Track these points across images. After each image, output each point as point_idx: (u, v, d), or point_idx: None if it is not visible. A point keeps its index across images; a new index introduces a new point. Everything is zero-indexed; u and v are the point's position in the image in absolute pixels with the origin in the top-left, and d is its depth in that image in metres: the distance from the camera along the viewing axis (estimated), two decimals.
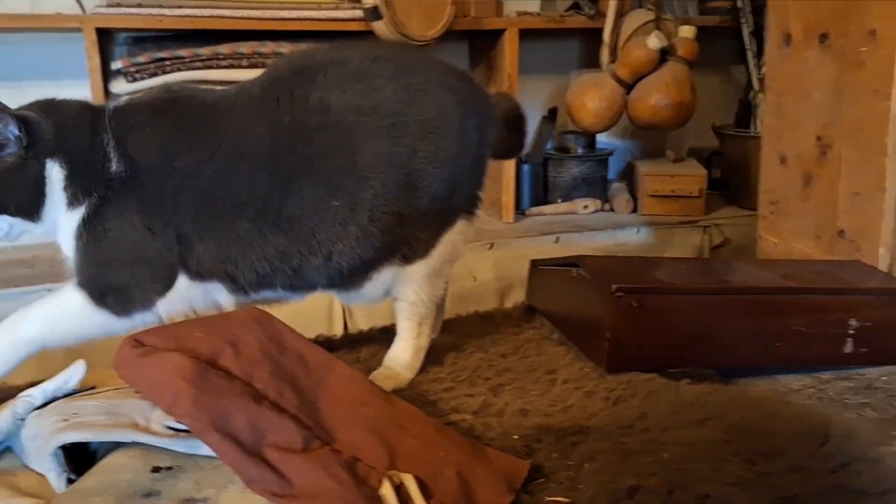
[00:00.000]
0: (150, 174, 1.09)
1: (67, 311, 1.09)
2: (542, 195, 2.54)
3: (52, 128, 1.07)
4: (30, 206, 1.07)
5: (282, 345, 1.00)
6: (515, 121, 1.35)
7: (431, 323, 1.29)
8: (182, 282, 1.11)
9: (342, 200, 1.12)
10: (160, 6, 2.05)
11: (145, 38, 2.22)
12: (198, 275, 1.12)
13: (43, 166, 1.07)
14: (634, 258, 1.93)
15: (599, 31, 2.43)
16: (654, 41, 2.25)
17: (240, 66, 2.14)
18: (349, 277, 1.18)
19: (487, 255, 2.26)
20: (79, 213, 1.08)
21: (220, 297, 1.15)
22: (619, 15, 2.37)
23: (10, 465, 0.92)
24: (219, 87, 1.20)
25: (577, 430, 1.03)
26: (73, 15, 2.11)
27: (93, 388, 1.00)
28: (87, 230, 1.08)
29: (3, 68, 2.23)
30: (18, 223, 1.08)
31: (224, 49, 2.13)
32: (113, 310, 1.09)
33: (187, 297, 1.12)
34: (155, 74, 2.08)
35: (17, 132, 1.04)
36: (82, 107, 1.13)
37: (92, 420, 0.87)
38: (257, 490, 0.83)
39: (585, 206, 2.48)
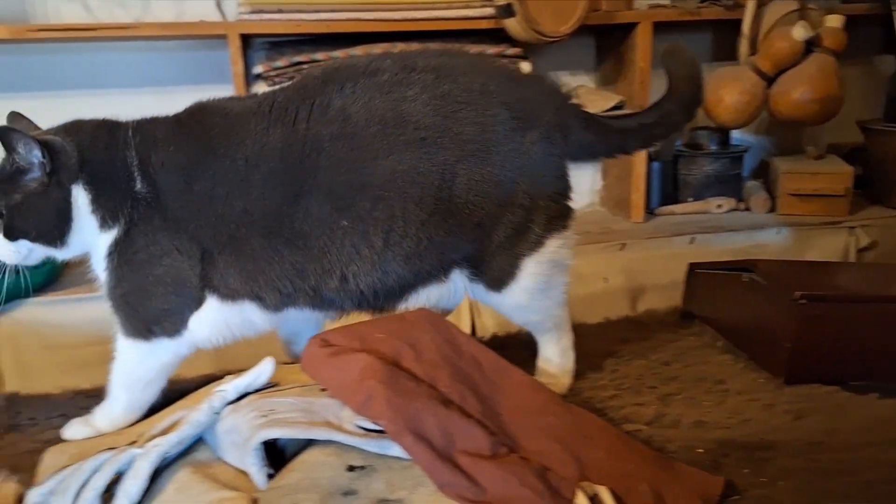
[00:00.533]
0: (172, 195, 1.07)
1: (132, 363, 1.11)
2: (672, 194, 2.46)
3: (75, 151, 1.05)
4: (52, 232, 1.05)
5: (457, 347, 1.00)
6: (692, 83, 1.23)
7: (567, 321, 1.25)
8: (213, 303, 1.09)
9: (351, 221, 1.04)
10: (299, 11, 2.10)
11: (282, 43, 2.28)
12: (227, 296, 1.09)
13: (68, 192, 1.05)
14: (807, 262, 1.83)
15: (733, 22, 2.33)
16: (801, 31, 2.13)
17: None
18: (374, 301, 1.11)
19: (618, 256, 2.20)
20: (111, 236, 1.07)
21: (254, 316, 1.12)
22: (760, 5, 2.26)
23: (206, 457, 0.96)
24: (253, 95, 1.17)
25: (762, 445, 0.99)
26: (219, 22, 2.20)
27: (276, 384, 1.03)
28: (119, 253, 1.06)
29: (151, 75, 2.35)
30: (39, 248, 1.06)
31: (358, 51, 2.16)
32: (165, 333, 1.10)
33: (222, 319, 1.11)
34: (293, 78, 2.14)
35: (40, 157, 1.02)
36: (99, 124, 1.10)
37: (289, 417, 0.89)
38: (450, 494, 0.83)
39: (719, 206, 2.38)
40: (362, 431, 0.89)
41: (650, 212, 2.41)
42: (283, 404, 0.92)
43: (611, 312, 1.86)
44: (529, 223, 1.11)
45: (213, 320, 1.10)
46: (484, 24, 2.16)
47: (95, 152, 1.06)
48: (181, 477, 0.91)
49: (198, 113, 1.11)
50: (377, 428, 0.88)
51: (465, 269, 1.13)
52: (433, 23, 2.14)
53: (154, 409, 1.15)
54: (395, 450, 0.87)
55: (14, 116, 1.14)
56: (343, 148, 1.04)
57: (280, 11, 2.08)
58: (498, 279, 1.14)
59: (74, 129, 1.08)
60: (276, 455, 0.93)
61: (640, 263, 2.15)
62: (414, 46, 2.18)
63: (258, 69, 2.16)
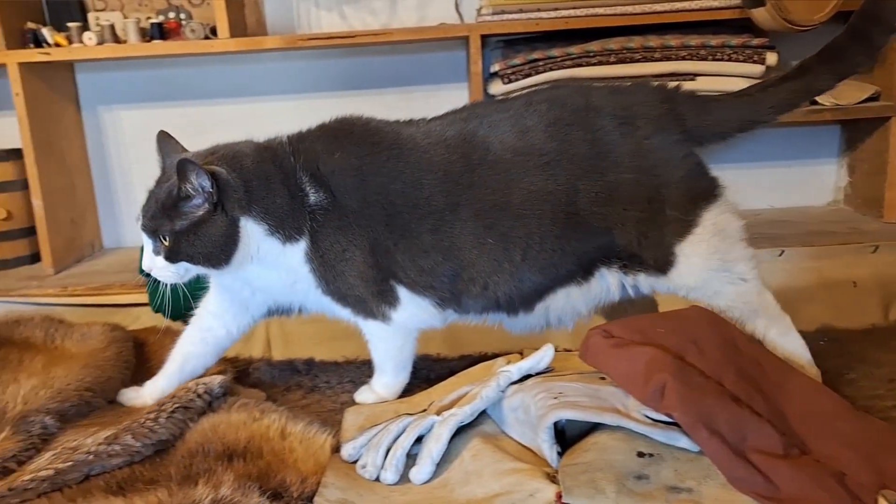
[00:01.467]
0: (348, 194, 1.15)
1: (384, 341, 1.24)
2: None
3: (241, 185, 1.11)
4: (219, 256, 1.12)
5: (737, 347, 1.01)
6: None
7: (773, 306, 1.19)
8: (404, 293, 1.19)
9: (496, 238, 1.15)
10: (538, 10, 2.17)
11: (516, 41, 2.37)
12: (411, 287, 1.18)
13: (236, 221, 1.11)
14: None
15: None
16: None
17: (608, 63, 2.19)
18: (507, 306, 1.20)
19: (870, 259, 2.05)
20: (300, 247, 1.16)
21: (428, 311, 1.21)
22: None
23: (491, 430, 1.05)
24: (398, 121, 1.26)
25: None
26: (462, 24, 2.33)
27: (552, 369, 1.10)
28: (313, 258, 1.16)
29: (395, 76, 2.54)
30: (195, 269, 1.14)
31: (594, 46, 2.19)
32: (381, 316, 1.21)
33: (418, 308, 1.20)
34: (528, 75, 2.21)
35: (209, 188, 1.08)
36: (260, 152, 1.17)
37: (580, 401, 0.96)
38: (742, 489, 0.85)
39: None
40: (650, 421, 0.93)
41: None
42: (571, 389, 0.99)
43: (860, 318, 1.75)
44: (668, 209, 1.15)
45: (412, 310, 1.20)
46: (727, 14, 2.10)
47: (265, 187, 1.13)
48: (475, 445, 1.01)
49: (352, 123, 1.22)
50: (664, 419, 0.92)
51: (615, 266, 1.18)
52: (675, 15, 2.12)
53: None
54: (683, 441, 0.90)
55: (163, 136, 1.22)
56: (487, 172, 1.16)
57: (521, 11, 2.16)
58: (657, 267, 1.17)
59: (236, 161, 1.14)
60: (556, 434, 1.00)
61: (894, 268, 2.00)
62: (652, 40, 2.17)
63: (494, 67, 2.26)
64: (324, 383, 1.36)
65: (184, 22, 2.35)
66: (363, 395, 1.28)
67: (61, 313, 1.71)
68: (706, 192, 1.17)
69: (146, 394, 1.28)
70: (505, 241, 1.16)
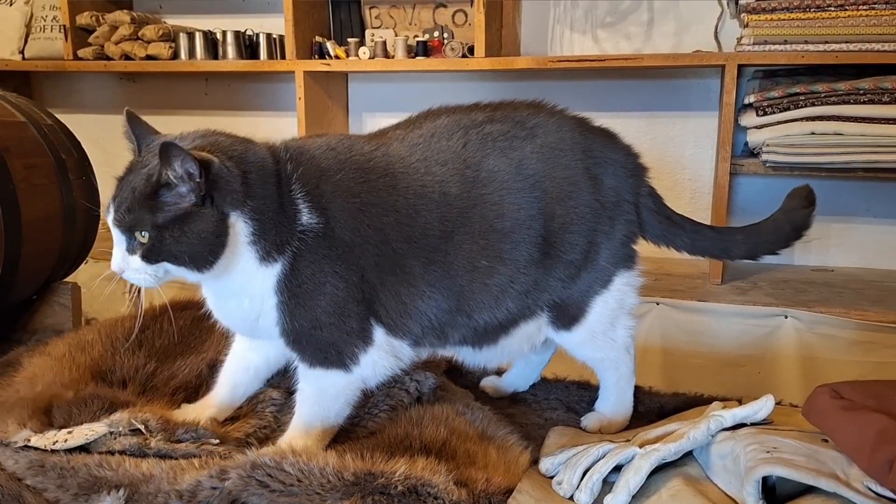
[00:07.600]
0: (343, 221, 1.04)
1: (322, 392, 1.09)
2: None
3: (238, 178, 0.98)
4: (206, 258, 0.98)
5: None
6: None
7: (630, 367, 1.26)
8: (380, 335, 1.08)
9: (490, 261, 1.10)
10: (805, 42, 2.04)
11: (775, 72, 2.25)
12: (390, 329, 1.09)
13: (225, 217, 0.98)
14: None
15: None
16: None
17: (880, 102, 2.01)
18: (482, 336, 1.16)
19: None
20: (275, 270, 1.01)
21: (403, 352, 1.12)
22: None
23: (695, 473, 1.03)
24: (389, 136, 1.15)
25: None
26: (718, 53, 2.26)
27: (770, 422, 1.05)
28: (288, 288, 1.02)
29: (641, 100, 2.53)
30: (176, 271, 1.00)
31: (865, 84, 2.02)
32: (338, 366, 1.07)
33: (391, 351, 1.10)
34: (786, 109, 2.10)
35: (196, 176, 0.94)
36: (257, 146, 1.05)
37: (795, 460, 0.91)
38: None
39: None
40: (873, 494, 0.85)
41: None
42: (787, 445, 0.93)
43: None
44: (598, 261, 1.17)
45: (382, 356, 1.09)
46: None
47: (262, 185, 1.01)
48: (675, 485, 0.99)
49: (351, 142, 1.11)
50: (889, 495, 0.84)
51: (546, 313, 1.18)
52: None
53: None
54: None
55: (132, 115, 1.05)
56: (482, 190, 1.10)
57: (786, 42, 2.06)
58: (575, 317, 1.19)
59: (232, 149, 1.02)
60: (765, 490, 0.95)
61: None
62: None
63: (749, 99, 2.17)
64: (531, 396, 1.40)
65: (446, 40, 2.54)
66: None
67: None
68: (629, 258, 1.21)
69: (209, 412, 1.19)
70: (499, 261, 1.10)
